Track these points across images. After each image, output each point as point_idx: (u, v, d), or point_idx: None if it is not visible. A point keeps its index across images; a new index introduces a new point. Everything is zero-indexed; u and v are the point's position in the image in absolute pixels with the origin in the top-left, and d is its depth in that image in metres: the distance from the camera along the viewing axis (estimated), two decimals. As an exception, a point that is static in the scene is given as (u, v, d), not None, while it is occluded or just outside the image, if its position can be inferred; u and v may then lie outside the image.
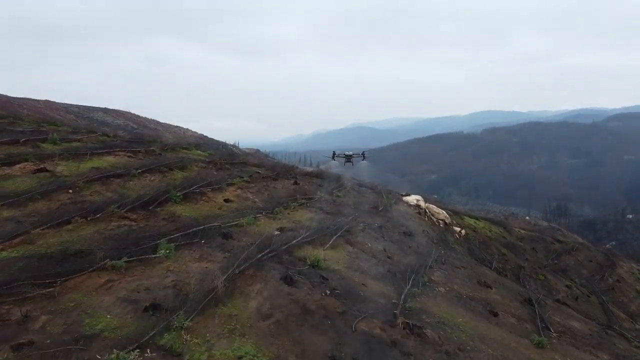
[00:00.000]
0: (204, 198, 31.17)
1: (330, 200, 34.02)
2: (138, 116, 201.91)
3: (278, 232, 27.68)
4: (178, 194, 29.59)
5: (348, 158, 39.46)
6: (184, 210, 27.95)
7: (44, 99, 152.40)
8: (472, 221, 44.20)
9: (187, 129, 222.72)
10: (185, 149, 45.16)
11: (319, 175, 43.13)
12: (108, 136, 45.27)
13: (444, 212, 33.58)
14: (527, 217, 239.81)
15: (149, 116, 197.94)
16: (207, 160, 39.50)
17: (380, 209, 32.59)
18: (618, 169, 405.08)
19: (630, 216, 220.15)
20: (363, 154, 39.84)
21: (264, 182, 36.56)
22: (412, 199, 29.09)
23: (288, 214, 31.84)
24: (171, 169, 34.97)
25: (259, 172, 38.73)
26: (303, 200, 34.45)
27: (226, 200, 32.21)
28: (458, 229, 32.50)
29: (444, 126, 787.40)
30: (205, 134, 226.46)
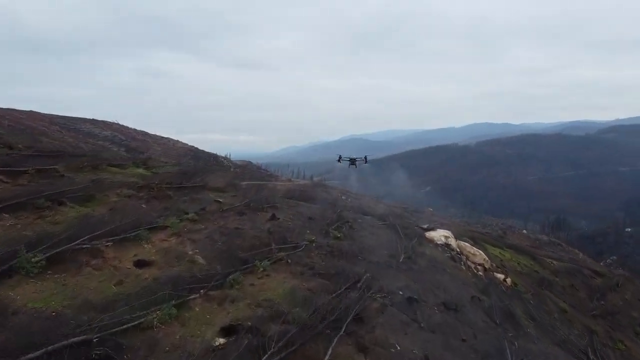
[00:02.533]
0: (95, 261, 18.49)
1: (325, 246, 22.09)
2: (127, 128, 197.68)
3: (221, 343, 15.23)
4: (36, 260, 16.40)
5: (352, 161, 41.35)
6: (28, 298, 14.69)
7: (29, 110, 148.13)
8: (496, 251, 37.05)
9: (177, 140, 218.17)
10: (117, 165, 32.44)
11: (308, 199, 31.88)
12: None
13: (480, 252, 21.78)
14: (525, 231, 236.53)
15: (141, 128, 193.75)
16: (139, 184, 27.19)
17: (401, 258, 22.09)
18: (614, 180, 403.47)
19: (630, 229, 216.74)
20: (365, 158, 41.83)
21: (222, 220, 23.59)
22: (439, 235, 20.94)
23: (252, 284, 20.00)
24: (62, 203, 22.91)
25: (218, 201, 26.18)
26: (281, 253, 21.96)
27: (139, 264, 19.72)
28: (501, 276, 22.82)
29: (439, 138, 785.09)
30: (196, 146, 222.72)
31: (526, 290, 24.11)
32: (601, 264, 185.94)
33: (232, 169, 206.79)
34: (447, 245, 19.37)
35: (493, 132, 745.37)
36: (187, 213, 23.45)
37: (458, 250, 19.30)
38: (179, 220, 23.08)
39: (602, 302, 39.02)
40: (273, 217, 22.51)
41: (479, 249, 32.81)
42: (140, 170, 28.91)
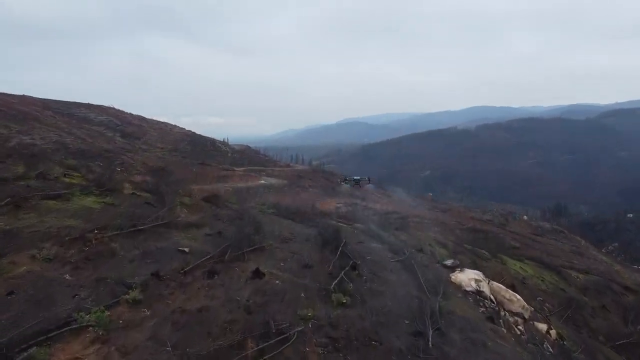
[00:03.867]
0: None
1: (326, 327, 14.44)
2: (122, 112, 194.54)
3: None
4: None
5: (357, 182, 39.50)
6: None
7: (21, 94, 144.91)
8: (517, 265, 33.90)
9: (174, 125, 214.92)
10: (55, 198, 18.96)
11: (304, 216, 25.64)
12: None
13: (518, 296, 16.37)
14: (525, 217, 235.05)
15: (137, 113, 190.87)
16: (71, 236, 15.60)
17: (429, 337, 15.74)
18: (613, 165, 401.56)
19: (631, 215, 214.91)
20: (369, 178, 39.51)
21: (181, 292, 13.93)
22: (467, 278, 16.63)
23: None
24: None
25: (183, 251, 14.40)
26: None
27: None
28: (544, 327, 17.10)
29: (438, 122, 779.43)
30: (194, 130, 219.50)
31: (575, 344, 19.21)
32: (603, 250, 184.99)
33: (229, 154, 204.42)
34: (479, 292, 14.42)
35: (492, 116, 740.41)
36: (130, 287, 14.56)
37: (492, 297, 14.89)
38: (106, 314, 14.61)
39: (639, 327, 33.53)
40: (256, 274, 13.18)
41: (497, 264, 29.71)
42: (89, 201, 16.68)
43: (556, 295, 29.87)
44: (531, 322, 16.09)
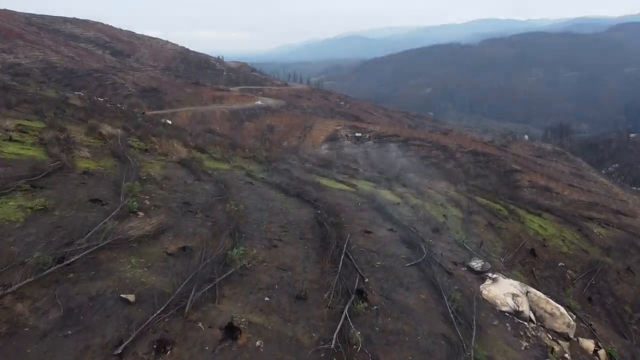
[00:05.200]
0: None
1: None
2: (111, 27, 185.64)
3: None
4: None
5: (358, 138, 43.88)
6: None
7: (1, 8, 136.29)
8: (535, 224, 30.39)
9: (166, 41, 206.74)
10: None
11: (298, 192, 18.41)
12: None
13: (560, 309, 12.84)
14: (526, 137, 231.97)
15: (126, 27, 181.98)
16: None
17: None
18: (618, 82, 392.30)
19: (634, 135, 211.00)
20: (369, 137, 41.90)
21: None
22: (501, 294, 12.96)
23: None
24: None
25: (127, 301, 7.76)
26: None
27: None
28: (591, 346, 13.64)
29: (440, 36, 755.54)
30: (187, 47, 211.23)
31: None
32: (602, 172, 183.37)
33: (225, 73, 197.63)
34: (518, 313, 11.28)
35: (497, 30, 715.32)
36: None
37: (532, 316, 11.81)
38: None
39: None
40: (229, 333, 8.49)
41: (514, 225, 26.24)
42: (10, 209, 10.50)
43: (578, 259, 27.02)
44: (575, 339, 13.01)
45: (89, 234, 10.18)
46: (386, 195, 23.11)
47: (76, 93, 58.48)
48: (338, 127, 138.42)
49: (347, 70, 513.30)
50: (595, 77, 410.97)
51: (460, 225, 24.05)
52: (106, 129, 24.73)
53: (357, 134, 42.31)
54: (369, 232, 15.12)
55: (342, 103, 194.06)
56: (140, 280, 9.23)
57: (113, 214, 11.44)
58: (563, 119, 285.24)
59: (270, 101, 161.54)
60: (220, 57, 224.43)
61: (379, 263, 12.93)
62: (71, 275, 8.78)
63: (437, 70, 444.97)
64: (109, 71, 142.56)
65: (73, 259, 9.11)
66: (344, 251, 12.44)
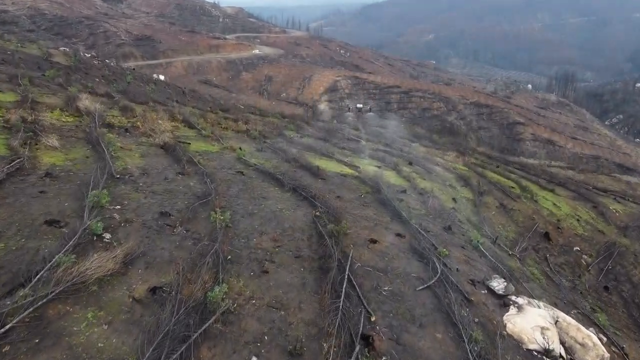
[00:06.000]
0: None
1: None
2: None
3: None
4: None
5: (359, 109, 45.05)
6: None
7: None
8: (548, 203, 28.08)
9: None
10: None
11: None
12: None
13: (592, 337, 10.77)
14: (529, 86, 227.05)
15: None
16: None
17: None
18: (626, 28, 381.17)
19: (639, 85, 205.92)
20: (370, 108, 43.69)
21: None
22: (529, 327, 10.55)
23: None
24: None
25: None
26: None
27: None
28: None
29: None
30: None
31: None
32: (606, 123, 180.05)
33: (221, 19, 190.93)
34: (548, 351, 9.56)
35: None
36: None
37: (562, 351, 10.03)
38: None
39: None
40: None
41: (528, 205, 24.24)
42: None
43: (594, 241, 25.29)
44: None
45: (37, 278, 8.33)
46: (391, 178, 21.15)
47: (61, 48, 55.16)
48: (338, 78, 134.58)
49: (348, 15, 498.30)
50: (603, 22, 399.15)
51: (471, 209, 22.26)
52: (84, 103, 22.38)
53: (358, 105, 45.50)
54: (375, 242, 13.25)
55: (342, 52, 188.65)
56: (97, 346, 7.44)
57: (71, 243, 9.55)
58: (567, 66, 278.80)
59: (268, 50, 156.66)
60: (216, 2, 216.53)
61: (386, 288, 11.13)
62: (6, 349, 6.99)
63: (440, 15, 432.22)
64: (100, 18, 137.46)
65: (11, 323, 7.30)
66: (346, 276, 10.66)
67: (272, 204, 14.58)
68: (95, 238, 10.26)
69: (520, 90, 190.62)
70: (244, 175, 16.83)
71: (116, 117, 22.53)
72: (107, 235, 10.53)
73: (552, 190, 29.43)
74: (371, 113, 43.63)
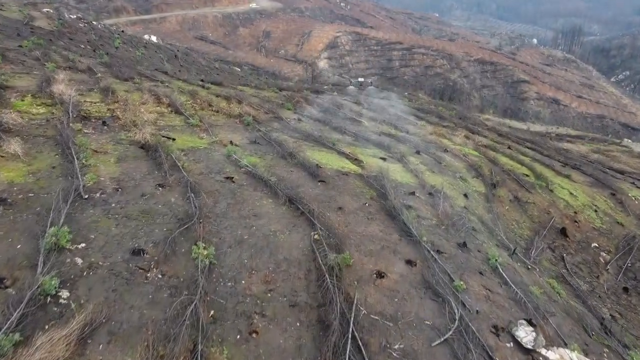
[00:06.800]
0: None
1: None
2: None
3: None
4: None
5: (360, 83, 41.50)
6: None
7: None
8: (564, 192, 25.23)
9: None
10: None
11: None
12: None
13: None
14: (535, 41, 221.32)
15: None
16: None
17: None
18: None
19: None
20: (371, 82, 49.44)
21: None
22: None
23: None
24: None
25: None
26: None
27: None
28: None
29: None
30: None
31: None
32: (612, 80, 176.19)
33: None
34: None
35: None
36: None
37: None
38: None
39: None
40: None
41: (544, 197, 22.11)
42: None
43: (613, 235, 23.60)
44: None
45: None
46: (398, 173, 19.23)
47: (45, 10, 51.87)
48: (338, 34, 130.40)
49: (364, 84, 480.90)
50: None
51: (483, 205, 20.49)
52: (59, 87, 20.18)
53: (359, 79, 51.20)
54: (382, 276, 11.53)
55: (342, 4, 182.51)
56: None
57: (15, 315, 7.82)
58: (574, 19, 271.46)
59: (265, 3, 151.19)
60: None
61: (397, 346, 9.51)
62: None
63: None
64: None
65: None
66: (350, 335, 9.03)
67: (265, 224, 12.76)
68: (49, 300, 8.53)
69: (526, 45, 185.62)
70: (233, 182, 14.93)
71: (95, 103, 20.37)
72: (64, 294, 8.76)
73: (567, 176, 27.52)
74: (372, 87, 44.31)
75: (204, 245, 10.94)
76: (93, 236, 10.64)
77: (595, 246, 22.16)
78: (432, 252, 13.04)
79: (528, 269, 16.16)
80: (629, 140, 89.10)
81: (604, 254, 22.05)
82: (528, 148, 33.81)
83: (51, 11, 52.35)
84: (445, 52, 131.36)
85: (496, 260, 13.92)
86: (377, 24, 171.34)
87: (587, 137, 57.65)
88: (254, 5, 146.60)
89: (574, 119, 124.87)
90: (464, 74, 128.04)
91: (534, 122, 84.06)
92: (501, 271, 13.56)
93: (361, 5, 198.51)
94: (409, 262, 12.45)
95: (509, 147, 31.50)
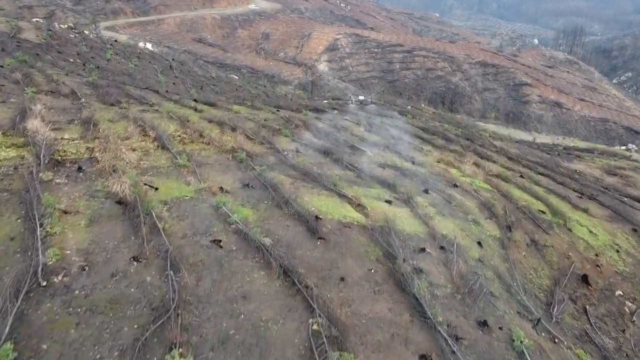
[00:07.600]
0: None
1: None
2: None
3: None
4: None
5: (361, 102, 48.46)
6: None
7: None
8: (584, 230, 23.23)
9: None
10: None
11: None
12: None
13: None
14: (536, 41, 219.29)
15: None
16: None
17: None
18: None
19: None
20: (371, 100, 51.34)
21: None
22: None
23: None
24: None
25: None
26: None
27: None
28: None
29: None
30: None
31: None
32: (614, 81, 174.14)
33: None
34: None
35: None
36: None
37: None
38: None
39: None
40: None
41: (562, 237, 20.42)
42: None
43: (637, 278, 21.79)
44: None
45: None
46: (405, 221, 17.40)
47: (34, 20, 49.90)
48: (338, 36, 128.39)
49: (365, 101, 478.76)
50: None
51: (498, 253, 18.70)
52: (34, 123, 18.35)
53: (360, 97, 53.57)
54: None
55: (342, 5, 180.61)
56: None
57: None
58: (574, 18, 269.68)
59: (264, 4, 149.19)
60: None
61: None
62: None
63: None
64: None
65: None
66: None
67: (255, 310, 10.94)
68: None
69: (527, 46, 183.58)
70: (221, 248, 13.11)
71: (73, 140, 18.52)
72: None
73: (585, 210, 25.65)
74: (373, 105, 45.55)
75: (180, 351, 9.17)
76: (45, 346, 8.83)
77: (619, 294, 20.37)
78: (449, 340, 11.25)
79: (555, 342, 14.37)
80: (633, 146, 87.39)
81: (629, 303, 20.25)
82: (540, 174, 32.00)
83: (40, 21, 50.38)
84: (447, 54, 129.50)
85: (521, 342, 12.14)
86: (378, 24, 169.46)
87: (597, 151, 55.86)
88: (253, 6, 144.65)
89: (577, 123, 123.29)
90: (465, 77, 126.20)
91: (538, 130, 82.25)
92: (527, 356, 11.77)
93: (361, 6, 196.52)
94: (423, 358, 10.66)
95: (521, 176, 29.67)
